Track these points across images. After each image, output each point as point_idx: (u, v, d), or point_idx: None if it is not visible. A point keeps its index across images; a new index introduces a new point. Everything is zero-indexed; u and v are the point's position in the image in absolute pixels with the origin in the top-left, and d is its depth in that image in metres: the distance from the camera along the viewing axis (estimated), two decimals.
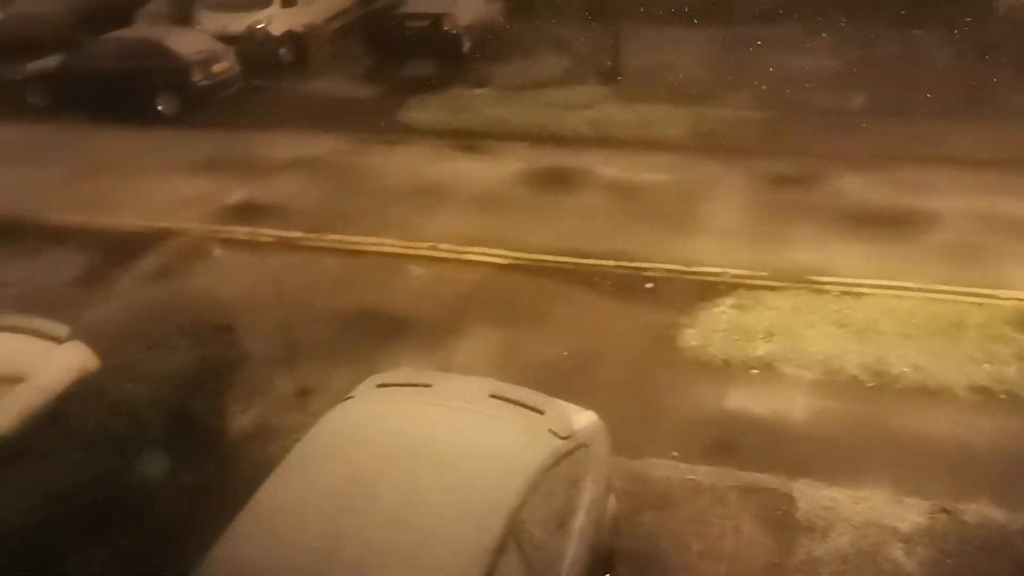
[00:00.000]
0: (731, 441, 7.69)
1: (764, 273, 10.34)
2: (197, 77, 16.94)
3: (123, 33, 18.23)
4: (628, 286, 10.29)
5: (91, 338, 7.60)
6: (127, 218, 12.42)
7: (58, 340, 7.24)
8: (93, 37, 18.01)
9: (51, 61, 17.49)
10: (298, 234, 11.77)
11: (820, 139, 14.48)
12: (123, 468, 6.17)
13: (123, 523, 6.33)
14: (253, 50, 18.81)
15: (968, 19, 18.32)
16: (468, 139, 15.15)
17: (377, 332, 9.42)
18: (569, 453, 5.54)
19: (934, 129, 14.46)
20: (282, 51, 19.83)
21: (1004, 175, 12.69)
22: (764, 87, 16.69)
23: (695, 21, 19.72)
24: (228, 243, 11.70)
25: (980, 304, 9.48)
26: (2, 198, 13.02)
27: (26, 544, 5.49)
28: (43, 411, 6.48)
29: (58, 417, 6.38)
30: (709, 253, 10.87)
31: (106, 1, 20.57)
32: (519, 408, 5.74)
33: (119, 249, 11.50)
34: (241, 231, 11.97)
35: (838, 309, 9.53)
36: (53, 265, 11.18)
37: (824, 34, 18.94)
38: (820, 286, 10.02)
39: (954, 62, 17.48)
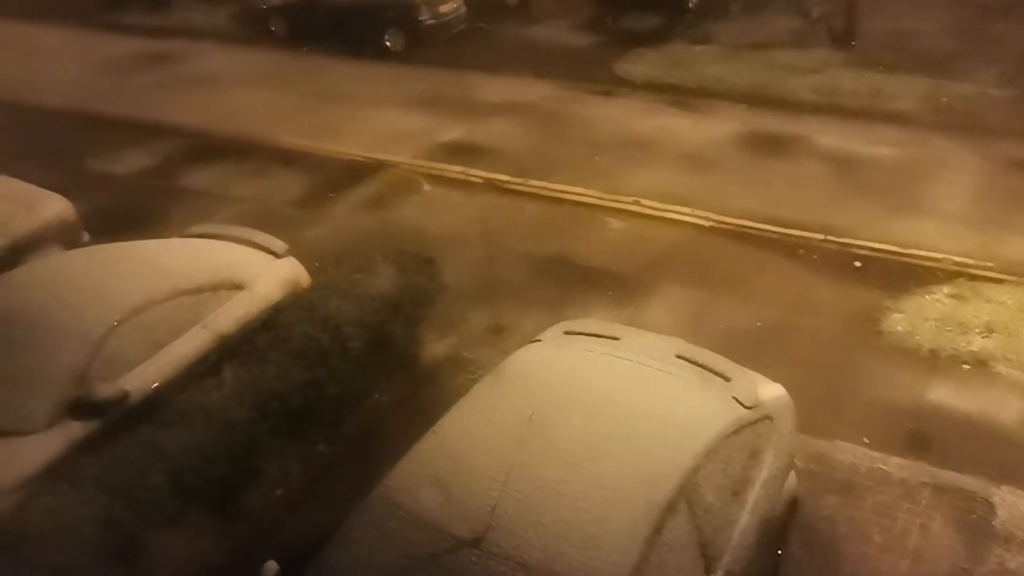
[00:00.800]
0: (929, 436, 7.23)
1: (990, 264, 9.57)
2: (425, 16, 17.49)
3: None
4: (834, 262, 9.81)
5: (305, 256, 8.16)
6: (348, 147, 13.06)
7: (276, 255, 7.80)
8: None
9: None
10: (504, 177, 11.96)
11: None
12: (324, 379, 6.61)
13: (320, 429, 6.82)
14: None
15: None
16: (683, 96, 14.81)
17: (570, 280, 9.49)
18: (752, 423, 5.42)
19: None
20: None
21: None
22: (1017, 62, 15.25)
23: None
24: (438, 179, 12.07)
25: None
26: (240, 119, 14.14)
27: (238, 433, 6.01)
28: (259, 318, 7.04)
29: (271, 326, 6.91)
30: (929, 236, 10.16)
31: None
32: (705, 372, 5.67)
33: (338, 176, 12.16)
34: (451, 169, 12.30)
35: None
36: (278, 185, 11.98)
37: None
38: None
39: None
